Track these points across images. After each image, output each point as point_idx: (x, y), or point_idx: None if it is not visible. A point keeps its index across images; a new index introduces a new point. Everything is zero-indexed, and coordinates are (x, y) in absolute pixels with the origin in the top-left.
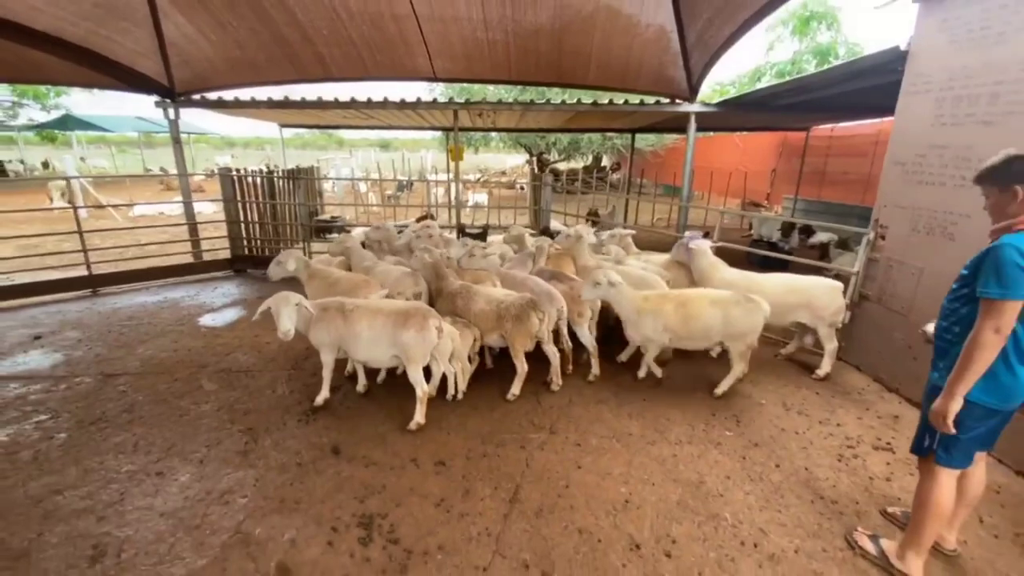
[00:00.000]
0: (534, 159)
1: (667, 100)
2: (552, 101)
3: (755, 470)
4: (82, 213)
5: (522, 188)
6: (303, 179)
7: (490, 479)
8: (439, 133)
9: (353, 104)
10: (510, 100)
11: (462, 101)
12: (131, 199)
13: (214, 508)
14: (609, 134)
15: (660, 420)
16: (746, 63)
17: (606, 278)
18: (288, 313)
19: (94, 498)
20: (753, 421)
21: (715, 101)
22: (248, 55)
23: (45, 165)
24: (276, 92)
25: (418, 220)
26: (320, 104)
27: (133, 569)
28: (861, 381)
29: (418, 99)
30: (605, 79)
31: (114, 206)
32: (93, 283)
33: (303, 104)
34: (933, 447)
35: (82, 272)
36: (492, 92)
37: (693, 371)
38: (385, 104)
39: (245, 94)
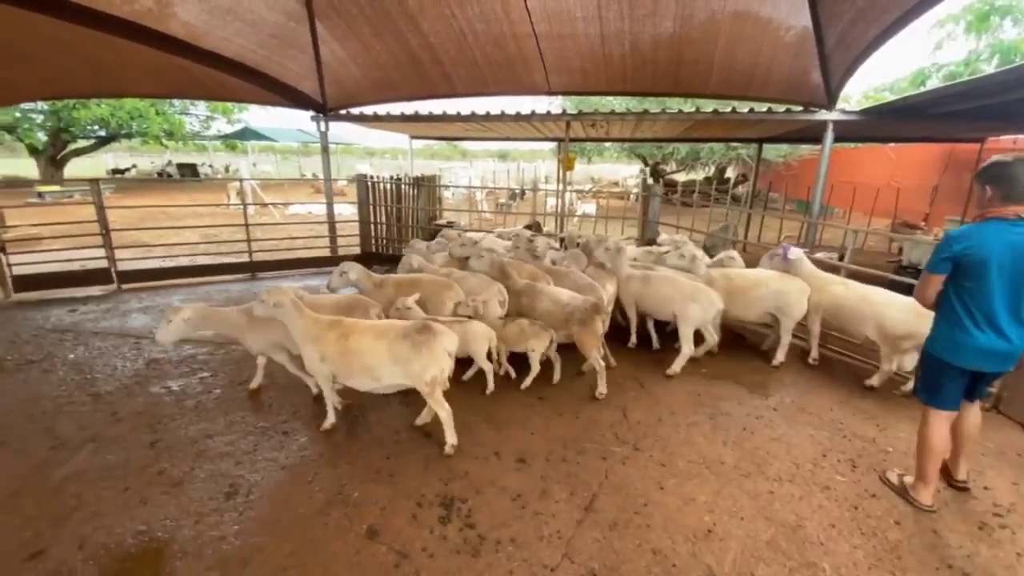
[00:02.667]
0: (647, 169)
1: (799, 108)
2: (669, 110)
3: (868, 523)
4: (249, 210)
5: (633, 198)
6: (425, 186)
7: (567, 484)
8: (553, 143)
9: (473, 117)
10: (624, 110)
11: (575, 112)
12: (287, 199)
13: (323, 469)
14: (734, 144)
15: (759, 453)
16: (907, 65)
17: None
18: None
19: (234, 445)
20: (873, 469)
21: (864, 108)
22: (387, 74)
23: (226, 169)
24: (408, 107)
25: (526, 228)
26: (445, 117)
27: (257, 508)
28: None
29: (532, 111)
30: (727, 87)
31: (274, 205)
32: (253, 268)
33: (430, 118)
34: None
35: (245, 259)
36: (607, 102)
37: (800, 402)
38: (502, 116)
39: (383, 109)
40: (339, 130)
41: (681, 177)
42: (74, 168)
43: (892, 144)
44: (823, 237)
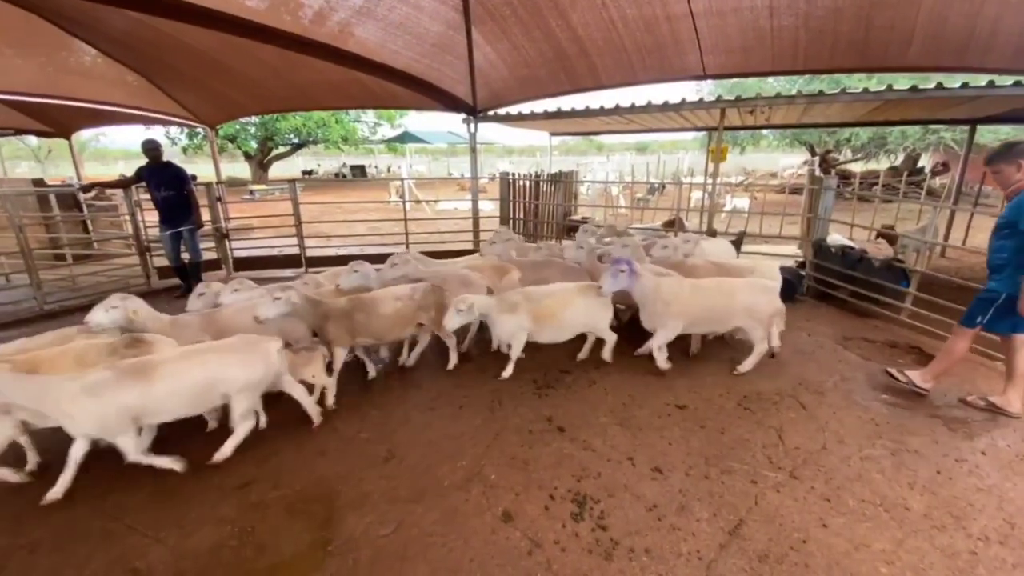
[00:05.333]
0: (815, 159)
1: None
2: (851, 90)
3: None
4: (409, 205)
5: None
6: (562, 182)
7: (709, 502)
8: (700, 133)
9: (617, 110)
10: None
11: (731, 98)
12: (437, 196)
13: (466, 447)
14: (935, 127)
15: (959, 503)
16: None
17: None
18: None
19: (389, 417)
20: None
21: None
22: (533, 72)
23: (388, 169)
24: (551, 104)
25: (664, 225)
26: (588, 112)
27: (408, 473)
28: None
29: (683, 100)
30: (932, 57)
31: (426, 201)
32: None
33: (572, 113)
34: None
35: (403, 249)
36: (769, 85)
37: (1022, 448)
38: (648, 107)
39: (527, 108)
40: (483, 130)
41: (858, 167)
42: (275, 171)
43: None
44: None
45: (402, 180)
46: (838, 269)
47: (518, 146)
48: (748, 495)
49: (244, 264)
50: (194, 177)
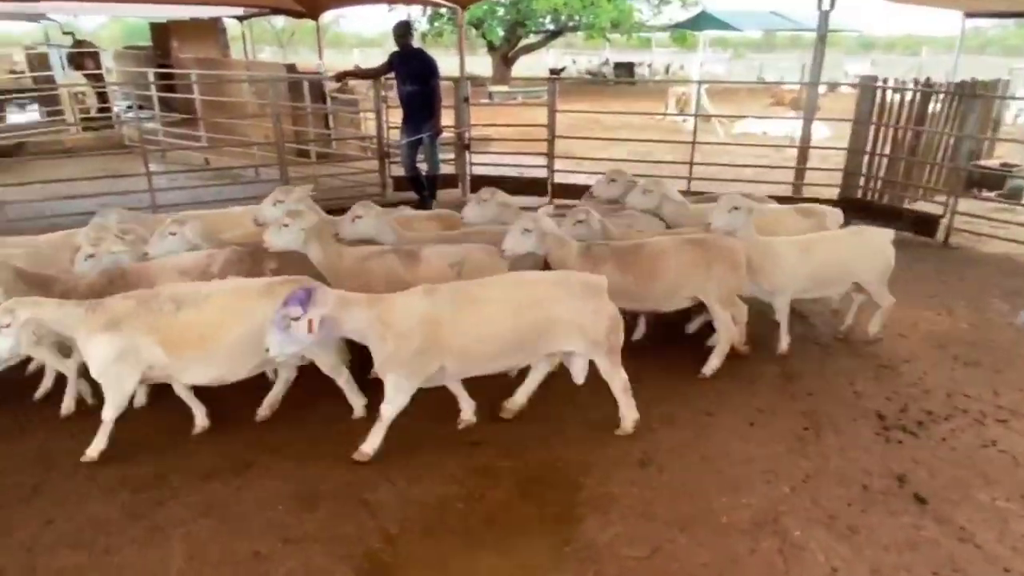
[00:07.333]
0: None
1: None
2: None
3: None
4: (688, 123)
5: None
6: (978, 99)
7: None
8: None
9: None
10: None
11: None
12: (739, 111)
13: (756, 483)
14: None
15: None
16: None
17: None
18: None
19: (648, 410)
20: None
21: None
22: None
23: (666, 70)
24: None
25: None
26: None
27: (669, 489)
28: None
29: None
30: None
31: (719, 119)
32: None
33: None
34: None
35: (681, 186)
36: None
37: None
38: None
39: None
40: (838, 8)
41: None
42: (517, 68)
43: None
44: None
45: (698, 84)
46: None
47: (885, 37)
48: None
49: (479, 184)
50: None
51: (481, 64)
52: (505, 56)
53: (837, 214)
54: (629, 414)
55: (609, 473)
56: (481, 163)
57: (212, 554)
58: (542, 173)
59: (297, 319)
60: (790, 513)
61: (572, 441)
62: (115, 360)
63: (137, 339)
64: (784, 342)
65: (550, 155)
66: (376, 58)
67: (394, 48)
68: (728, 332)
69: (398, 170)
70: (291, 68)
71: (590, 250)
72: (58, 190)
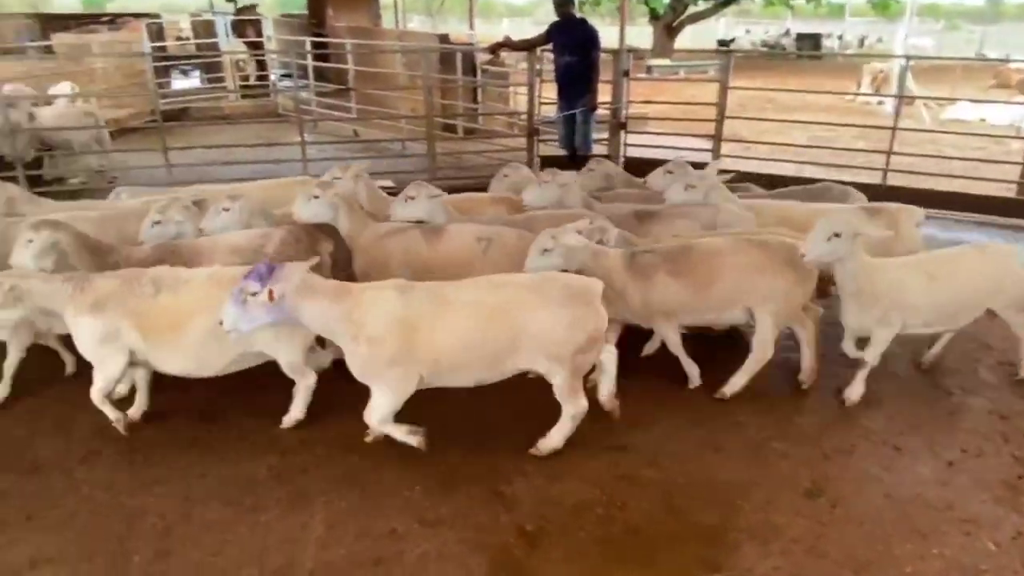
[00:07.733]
0: None
1: None
2: None
3: None
4: (887, 106)
5: None
6: None
7: None
8: None
9: None
10: None
11: None
12: (951, 94)
13: (952, 533)
14: None
15: None
16: None
17: None
18: None
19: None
20: None
21: None
22: None
23: (861, 43)
24: None
25: None
26: None
27: (842, 527)
28: None
29: None
30: None
31: (925, 101)
32: (882, 195)
33: None
34: None
35: (875, 179)
36: None
37: None
38: None
39: None
40: None
41: None
42: (682, 39)
43: None
44: None
45: (905, 59)
46: None
47: None
48: None
49: (634, 167)
50: None
51: (641, 35)
52: (669, 25)
53: (915, 213)
54: (554, 442)
55: (771, 499)
56: (637, 143)
57: (351, 526)
58: (704, 158)
59: (255, 294)
60: (993, 573)
61: (728, 458)
62: (99, 343)
63: (118, 323)
64: (859, 389)
65: (717, 137)
66: (526, 29)
67: (549, 19)
68: (765, 352)
69: (546, 149)
70: (443, 39)
71: (635, 258)
72: (217, 156)
